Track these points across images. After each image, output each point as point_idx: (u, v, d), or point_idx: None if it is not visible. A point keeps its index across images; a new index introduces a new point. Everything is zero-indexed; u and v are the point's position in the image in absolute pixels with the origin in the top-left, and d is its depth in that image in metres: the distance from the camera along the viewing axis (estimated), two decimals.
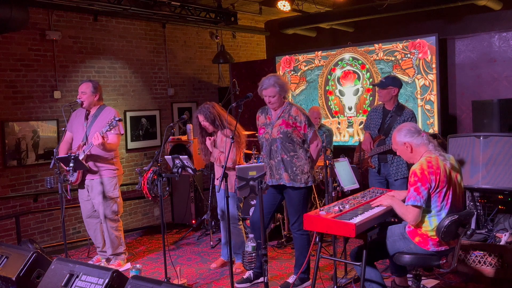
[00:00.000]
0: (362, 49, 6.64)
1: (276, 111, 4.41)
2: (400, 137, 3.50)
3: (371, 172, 4.96)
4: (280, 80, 4.37)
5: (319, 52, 7.08)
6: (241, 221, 4.98)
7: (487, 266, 4.23)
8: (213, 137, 4.82)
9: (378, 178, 4.88)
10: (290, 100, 4.46)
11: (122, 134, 5.07)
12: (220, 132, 4.79)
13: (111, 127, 4.66)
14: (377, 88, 5.00)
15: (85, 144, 4.94)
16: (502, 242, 4.28)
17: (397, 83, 4.80)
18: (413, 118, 4.72)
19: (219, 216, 5.11)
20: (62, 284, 3.01)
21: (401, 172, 4.72)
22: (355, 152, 5.18)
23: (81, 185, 5.09)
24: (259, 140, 4.56)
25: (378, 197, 3.77)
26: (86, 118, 5.07)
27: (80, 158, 4.79)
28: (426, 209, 3.32)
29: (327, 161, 4.15)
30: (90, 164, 4.96)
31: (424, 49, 6.07)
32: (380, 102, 4.98)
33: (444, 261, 4.51)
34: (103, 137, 4.72)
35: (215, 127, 4.78)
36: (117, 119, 4.66)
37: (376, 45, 6.50)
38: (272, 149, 4.37)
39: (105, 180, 5.01)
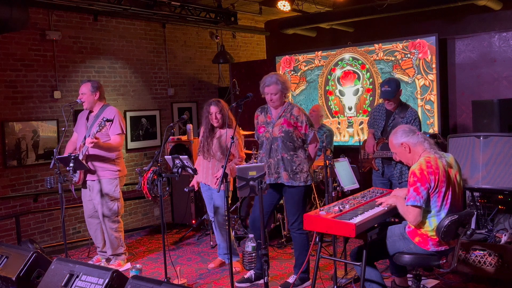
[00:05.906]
0: (362, 49, 6.64)
1: (277, 110, 4.43)
2: (397, 139, 3.50)
3: (374, 172, 4.94)
4: (282, 78, 4.44)
5: (319, 52, 7.08)
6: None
7: (487, 266, 4.23)
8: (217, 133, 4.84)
9: (381, 179, 4.85)
10: (290, 100, 4.48)
11: (123, 134, 5.05)
12: (226, 129, 4.80)
13: (101, 127, 4.65)
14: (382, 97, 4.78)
15: (84, 144, 4.94)
16: (502, 242, 4.28)
17: (399, 85, 4.74)
18: (415, 120, 4.61)
19: (211, 217, 5.04)
20: (62, 284, 3.01)
21: (406, 175, 4.59)
22: (361, 149, 5.14)
23: (84, 185, 5.09)
24: (258, 138, 4.56)
25: (378, 197, 3.77)
26: (88, 118, 5.07)
27: (79, 158, 4.79)
28: (425, 209, 3.31)
29: (327, 161, 4.15)
30: (90, 165, 4.95)
31: (424, 49, 6.07)
32: (381, 102, 4.92)
33: (444, 261, 4.51)
34: (96, 138, 4.71)
35: (223, 123, 4.81)
36: (105, 119, 4.64)
37: (376, 45, 6.49)
38: (272, 147, 4.39)
39: (106, 181, 4.99)
